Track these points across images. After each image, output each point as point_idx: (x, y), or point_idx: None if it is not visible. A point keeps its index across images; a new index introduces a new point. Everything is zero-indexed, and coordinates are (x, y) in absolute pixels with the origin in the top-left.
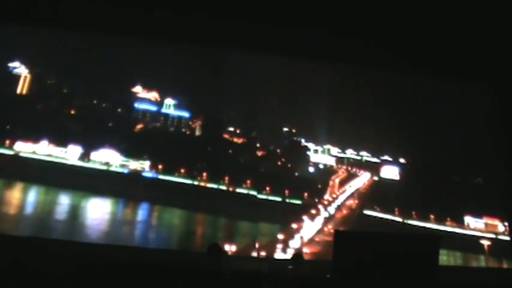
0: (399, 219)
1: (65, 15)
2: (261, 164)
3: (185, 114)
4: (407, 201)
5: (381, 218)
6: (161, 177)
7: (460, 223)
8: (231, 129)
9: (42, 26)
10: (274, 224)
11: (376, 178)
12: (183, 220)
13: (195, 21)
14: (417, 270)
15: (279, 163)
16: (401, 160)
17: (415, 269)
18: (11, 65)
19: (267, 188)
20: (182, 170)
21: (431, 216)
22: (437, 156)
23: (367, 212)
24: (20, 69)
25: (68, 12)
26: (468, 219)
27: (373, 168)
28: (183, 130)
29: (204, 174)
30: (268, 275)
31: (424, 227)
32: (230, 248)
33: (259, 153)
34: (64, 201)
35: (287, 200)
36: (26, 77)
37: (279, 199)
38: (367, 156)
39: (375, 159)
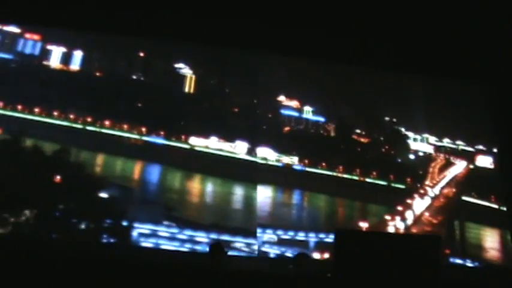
0: (495, 206)
1: (65, 15)
2: (366, 151)
3: (321, 118)
4: (503, 188)
5: (478, 204)
6: (308, 169)
7: None
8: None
9: (42, 26)
10: (381, 205)
11: (471, 166)
12: (326, 203)
13: (195, 21)
14: (418, 270)
15: (383, 150)
16: (495, 150)
17: (416, 269)
18: (176, 65)
19: (374, 173)
20: (323, 164)
21: None
22: None
23: (464, 198)
24: (185, 70)
25: (68, 12)
26: None
27: (469, 156)
28: (321, 132)
29: (340, 167)
30: (269, 275)
31: None
32: (363, 225)
33: (365, 140)
34: (237, 191)
35: (392, 184)
36: (191, 77)
37: (384, 183)
38: (463, 145)
39: (470, 148)
